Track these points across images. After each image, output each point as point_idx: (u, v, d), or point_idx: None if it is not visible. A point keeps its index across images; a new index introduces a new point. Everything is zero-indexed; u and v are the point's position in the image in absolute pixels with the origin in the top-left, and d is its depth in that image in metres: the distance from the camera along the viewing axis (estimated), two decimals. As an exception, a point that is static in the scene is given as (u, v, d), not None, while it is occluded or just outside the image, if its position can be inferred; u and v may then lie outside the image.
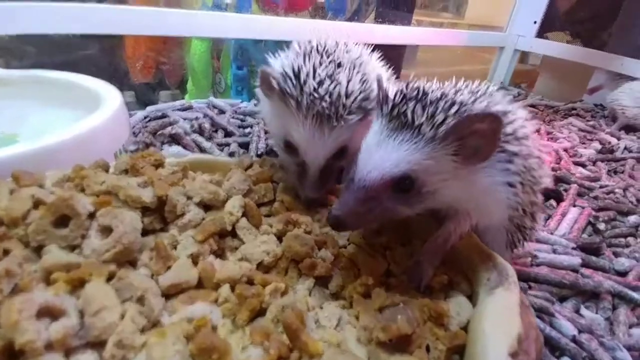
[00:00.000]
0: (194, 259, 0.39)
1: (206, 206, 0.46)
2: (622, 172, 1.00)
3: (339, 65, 0.50)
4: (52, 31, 0.83)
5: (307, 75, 0.47)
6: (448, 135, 0.35)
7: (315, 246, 0.43)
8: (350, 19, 1.40)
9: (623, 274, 0.61)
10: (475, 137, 0.34)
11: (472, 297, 0.42)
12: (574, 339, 0.48)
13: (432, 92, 0.39)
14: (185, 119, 0.90)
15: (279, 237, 0.44)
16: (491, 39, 1.76)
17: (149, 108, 0.94)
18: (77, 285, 0.33)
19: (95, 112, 0.62)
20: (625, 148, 1.11)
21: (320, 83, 0.47)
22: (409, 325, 0.30)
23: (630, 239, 0.72)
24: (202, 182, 0.46)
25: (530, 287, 0.56)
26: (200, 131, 0.82)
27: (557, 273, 0.57)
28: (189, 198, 0.44)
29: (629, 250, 0.68)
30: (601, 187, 0.89)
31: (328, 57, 0.51)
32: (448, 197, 0.39)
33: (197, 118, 0.88)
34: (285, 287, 0.38)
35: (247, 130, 0.92)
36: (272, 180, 0.55)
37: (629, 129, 1.35)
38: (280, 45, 0.62)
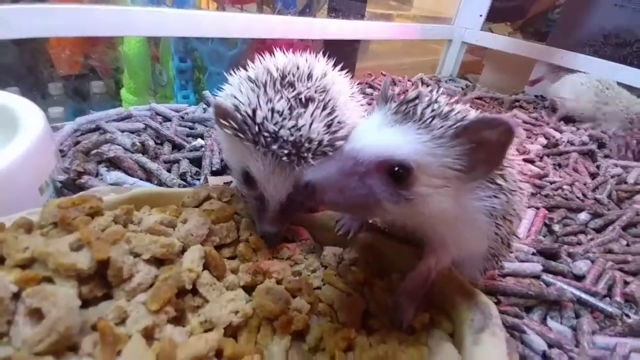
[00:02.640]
0: (148, 334, 0.33)
1: (158, 259, 0.40)
2: (567, 166, 1.07)
3: (302, 102, 0.45)
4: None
5: (265, 118, 0.42)
6: (457, 136, 0.33)
7: (290, 299, 0.39)
8: (302, 13, 1.34)
9: (581, 277, 0.64)
10: (483, 146, 0.32)
11: (453, 335, 0.41)
12: (544, 355, 0.49)
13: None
14: (124, 132, 0.80)
15: (248, 289, 0.40)
16: (440, 32, 1.79)
17: (79, 120, 0.82)
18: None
19: (12, 142, 0.52)
20: (568, 141, 1.18)
21: (280, 126, 0.42)
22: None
23: (581, 236, 0.76)
24: (152, 234, 0.39)
25: (499, 302, 0.57)
26: (144, 150, 0.72)
27: (522, 284, 0.59)
28: (137, 256, 0.38)
29: (582, 250, 0.71)
30: (550, 183, 0.94)
31: (290, 89, 0.46)
32: (434, 211, 0.35)
33: (138, 132, 0.78)
34: (261, 357, 0.34)
35: (198, 141, 0.83)
36: (234, 214, 0.49)
37: (567, 120, 1.45)
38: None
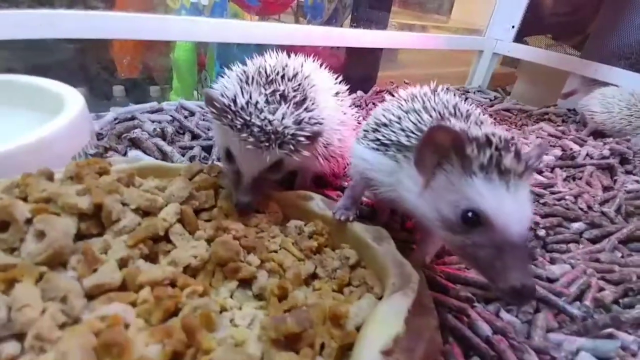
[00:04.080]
0: (123, 263, 0.42)
1: (145, 212, 0.49)
2: (580, 179, 1.04)
3: (278, 98, 0.53)
4: (48, 36, 0.86)
5: (242, 107, 0.51)
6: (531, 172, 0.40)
7: (240, 251, 0.46)
8: (328, 22, 1.43)
9: (554, 280, 0.65)
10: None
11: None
12: (487, 340, 0.51)
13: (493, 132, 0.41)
14: (154, 122, 0.93)
15: (210, 242, 0.48)
16: (470, 43, 1.79)
17: (119, 110, 0.97)
18: (10, 285, 0.36)
19: (55, 118, 0.66)
20: (587, 154, 1.15)
21: (255, 116, 0.50)
22: (298, 325, 0.34)
23: (572, 245, 0.76)
24: (140, 190, 0.49)
25: (457, 290, 0.60)
26: (163, 135, 0.85)
27: (486, 277, 0.61)
28: (125, 204, 0.47)
29: (567, 257, 0.71)
30: (553, 193, 0.93)
31: (269, 86, 0.54)
32: None
33: (160, 122, 0.91)
34: (205, 289, 0.41)
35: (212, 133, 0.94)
36: (218, 186, 0.58)
37: (597, 134, 1.39)
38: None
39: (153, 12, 1.20)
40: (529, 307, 0.58)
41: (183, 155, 0.83)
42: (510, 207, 0.37)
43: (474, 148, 0.39)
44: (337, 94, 0.67)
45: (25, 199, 0.45)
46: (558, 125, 1.46)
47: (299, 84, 0.56)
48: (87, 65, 1.81)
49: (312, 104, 0.56)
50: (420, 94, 0.55)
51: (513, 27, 1.68)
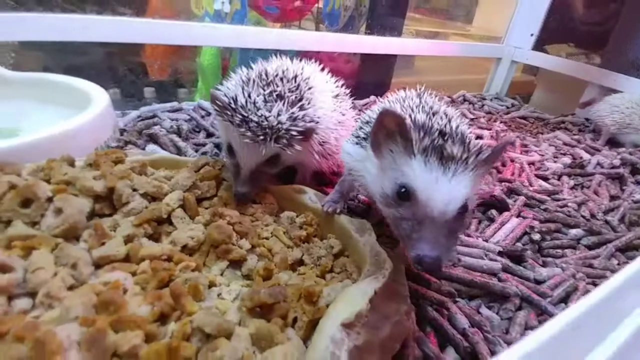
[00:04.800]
0: (129, 240, 0.48)
1: (153, 198, 0.55)
2: (588, 188, 1.03)
3: (275, 98, 0.58)
4: (80, 39, 0.95)
5: (241, 106, 0.56)
6: (483, 163, 0.43)
7: (232, 235, 0.51)
8: (344, 29, 1.47)
9: (541, 282, 0.66)
10: (494, 159, 0.44)
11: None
12: (463, 332, 0.54)
13: (449, 124, 0.46)
14: (173, 120, 1.00)
15: (207, 226, 0.53)
16: (487, 50, 1.79)
17: (143, 109, 1.05)
18: (29, 252, 0.42)
19: (82, 112, 0.73)
20: (598, 163, 1.13)
21: (253, 113, 0.55)
22: (270, 297, 0.38)
23: (568, 251, 0.76)
24: (149, 177, 0.55)
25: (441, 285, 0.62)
26: (178, 132, 0.91)
27: (471, 274, 0.63)
28: (135, 190, 0.53)
29: (561, 261, 0.72)
30: (557, 200, 0.93)
31: (267, 87, 0.59)
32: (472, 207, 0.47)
33: (177, 120, 0.98)
34: (198, 266, 0.46)
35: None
36: (221, 179, 0.63)
37: (614, 143, 1.36)
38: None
39: (178, 19, 1.28)
40: (511, 305, 0.60)
41: (196, 151, 0.89)
42: (437, 187, 0.41)
43: (418, 133, 0.43)
44: (336, 96, 0.72)
45: (48, 181, 0.51)
46: (574, 134, 1.44)
47: (297, 85, 0.61)
48: (121, 69, 1.94)
49: (308, 103, 0.60)
50: (404, 96, 0.58)
51: (532, 35, 1.67)
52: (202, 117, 1.08)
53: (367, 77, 1.53)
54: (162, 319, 0.38)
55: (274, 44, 1.17)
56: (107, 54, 1.82)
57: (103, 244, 0.46)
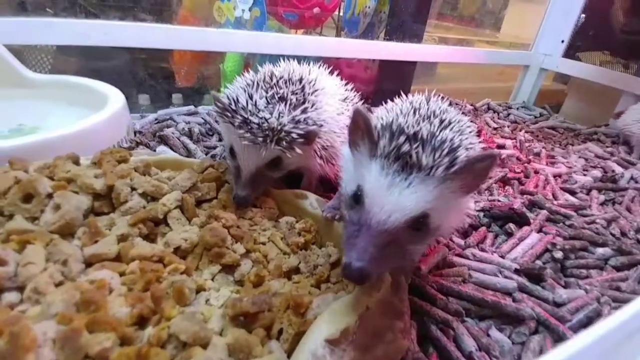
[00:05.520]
0: (123, 239, 0.47)
1: (153, 198, 0.55)
2: (620, 204, 0.96)
3: (277, 100, 0.57)
4: (102, 44, 0.99)
5: (242, 108, 0.55)
6: (456, 176, 0.39)
7: (227, 238, 0.50)
8: (363, 36, 1.46)
9: (560, 305, 0.60)
10: (475, 174, 0.39)
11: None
12: (469, 355, 0.50)
13: (422, 130, 0.41)
14: (188, 123, 1.02)
15: (202, 228, 0.52)
16: (515, 58, 1.72)
17: (160, 112, 1.07)
18: (24, 246, 0.43)
19: (97, 113, 0.75)
20: (632, 178, 1.05)
21: (254, 115, 0.54)
22: (253, 306, 0.36)
23: (594, 271, 0.70)
24: (149, 177, 0.55)
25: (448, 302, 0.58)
26: (190, 134, 0.92)
27: (482, 292, 0.59)
28: (134, 189, 0.53)
29: (585, 282, 0.66)
30: (584, 216, 0.87)
31: (270, 89, 0.58)
32: (445, 224, 0.44)
33: (189, 122, 0.99)
34: (188, 269, 0.45)
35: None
36: (222, 181, 0.63)
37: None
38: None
39: (201, 26, 1.31)
40: (525, 328, 0.55)
41: (206, 153, 0.89)
42: (384, 194, 0.38)
43: (386, 136, 0.41)
44: (345, 99, 0.70)
45: (52, 178, 0.52)
46: (607, 146, 1.35)
47: (301, 88, 0.60)
48: (150, 75, 2.02)
49: (312, 106, 0.59)
50: (409, 100, 0.56)
51: (563, 41, 1.59)
52: (216, 121, 1.09)
53: (386, 84, 1.50)
54: (143, 322, 0.37)
55: (291, 50, 1.16)
56: (136, 60, 1.89)
57: (96, 241, 0.45)
